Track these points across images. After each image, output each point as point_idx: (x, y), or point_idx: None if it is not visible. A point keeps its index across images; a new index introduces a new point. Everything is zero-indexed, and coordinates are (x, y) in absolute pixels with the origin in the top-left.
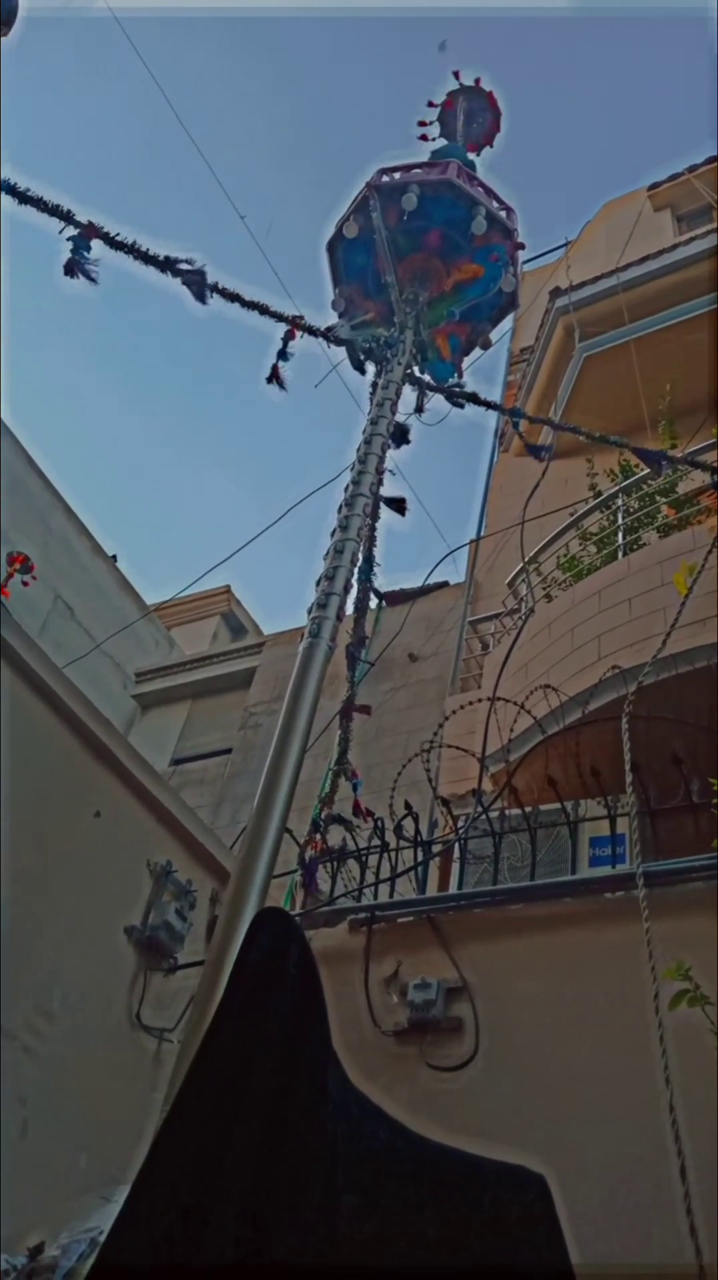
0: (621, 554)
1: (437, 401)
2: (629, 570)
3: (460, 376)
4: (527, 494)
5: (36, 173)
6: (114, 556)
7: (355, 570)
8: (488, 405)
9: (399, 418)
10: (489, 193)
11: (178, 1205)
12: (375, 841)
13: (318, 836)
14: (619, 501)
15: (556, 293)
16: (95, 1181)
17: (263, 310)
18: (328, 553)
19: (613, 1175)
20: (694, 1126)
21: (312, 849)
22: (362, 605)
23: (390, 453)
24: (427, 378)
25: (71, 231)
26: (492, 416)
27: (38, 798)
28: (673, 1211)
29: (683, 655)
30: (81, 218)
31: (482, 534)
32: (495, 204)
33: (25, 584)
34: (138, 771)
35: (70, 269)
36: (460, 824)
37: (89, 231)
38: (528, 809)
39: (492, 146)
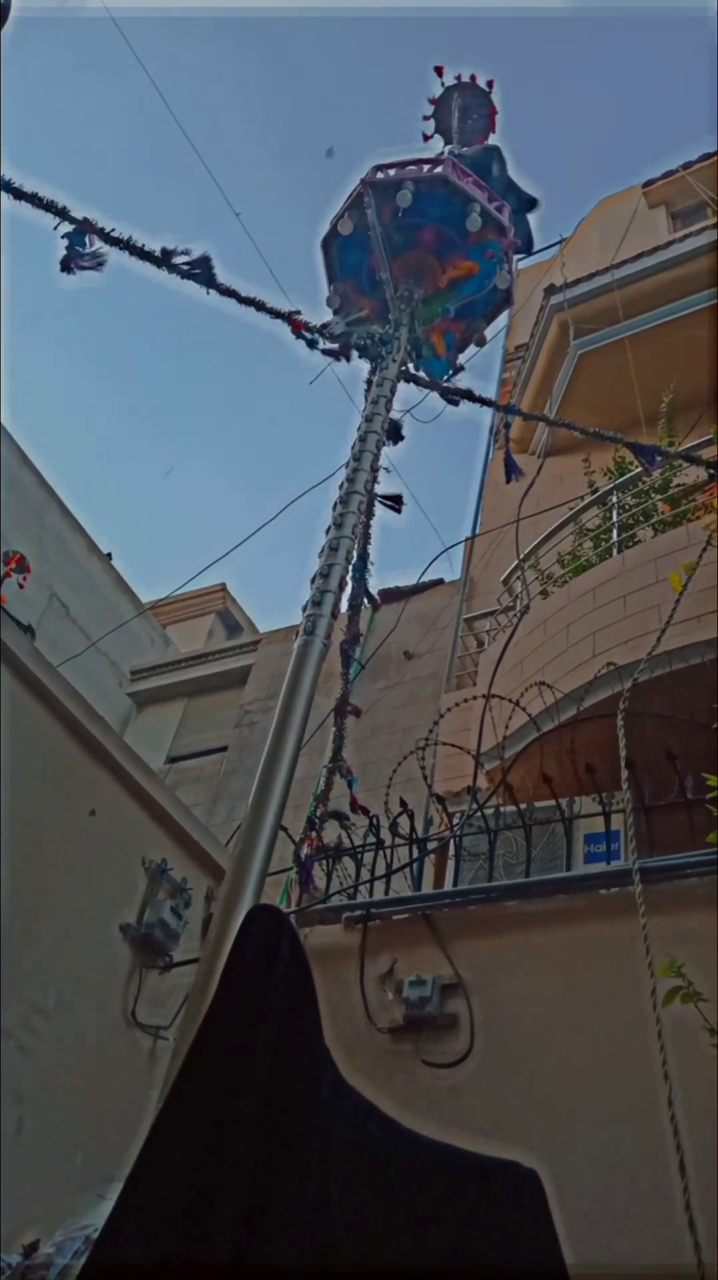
0: (615, 551)
1: (432, 398)
2: (624, 567)
3: (455, 373)
4: (522, 491)
5: (32, 170)
6: (109, 554)
7: (350, 568)
8: (483, 402)
9: (394, 414)
10: (483, 189)
11: (172, 1205)
12: (371, 839)
13: (313, 834)
14: (615, 498)
15: (550, 290)
16: (91, 1179)
17: (259, 306)
18: (323, 550)
19: (609, 1171)
20: (692, 1122)
21: (307, 846)
22: (356, 603)
23: (386, 450)
24: (422, 374)
25: (67, 228)
26: (487, 414)
27: (32, 795)
28: (670, 1207)
29: (678, 652)
30: (78, 214)
31: (477, 531)
32: (490, 200)
33: (21, 585)
34: (133, 769)
35: (66, 264)
36: (455, 821)
37: (85, 227)
38: (523, 806)
39: (486, 144)
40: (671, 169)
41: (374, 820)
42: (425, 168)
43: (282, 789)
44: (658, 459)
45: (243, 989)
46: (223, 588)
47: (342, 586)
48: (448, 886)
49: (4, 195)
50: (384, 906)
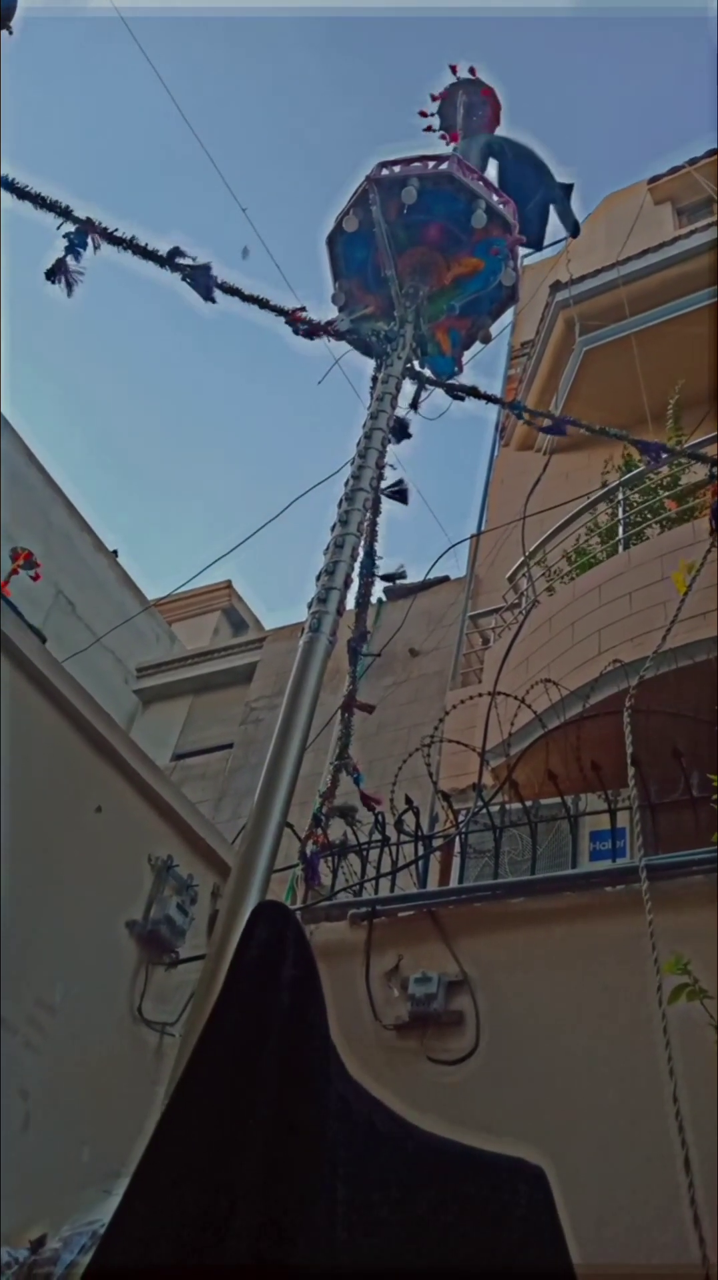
0: (621, 548)
1: (437, 396)
2: (630, 564)
3: (461, 371)
4: (528, 489)
5: (37, 169)
6: (115, 551)
7: (356, 565)
8: (489, 399)
9: (399, 412)
10: (489, 186)
11: (180, 1203)
12: (376, 836)
13: (319, 830)
14: (621, 495)
15: (556, 286)
16: (97, 1175)
17: (263, 304)
18: (328, 547)
19: (614, 1168)
20: (697, 1119)
21: (313, 843)
22: (362, 600)
23: (392, 447)
24: (427, 372)
25: (70, 228)
26: (493, 411)
27: (39, 793)
28: (676, 1204)
29: (684, 649)
30: (80, 213)
31: (483, 529)
32: (495, 197)
33: (35, 578)
34: (139, 766)
35: (53, 273)
36: (461, 818)
37: (87, 227)
38: (528, 803)
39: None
40: (677, 165)
41: (380, 817)
42: (431, 164)
43: (287, 786)
44: (663, 456)
45: (249, 985)
46: (228, 585)
47: (347, 584)
48: (454, 883)
49: (7, 194)
50: (390, 903)
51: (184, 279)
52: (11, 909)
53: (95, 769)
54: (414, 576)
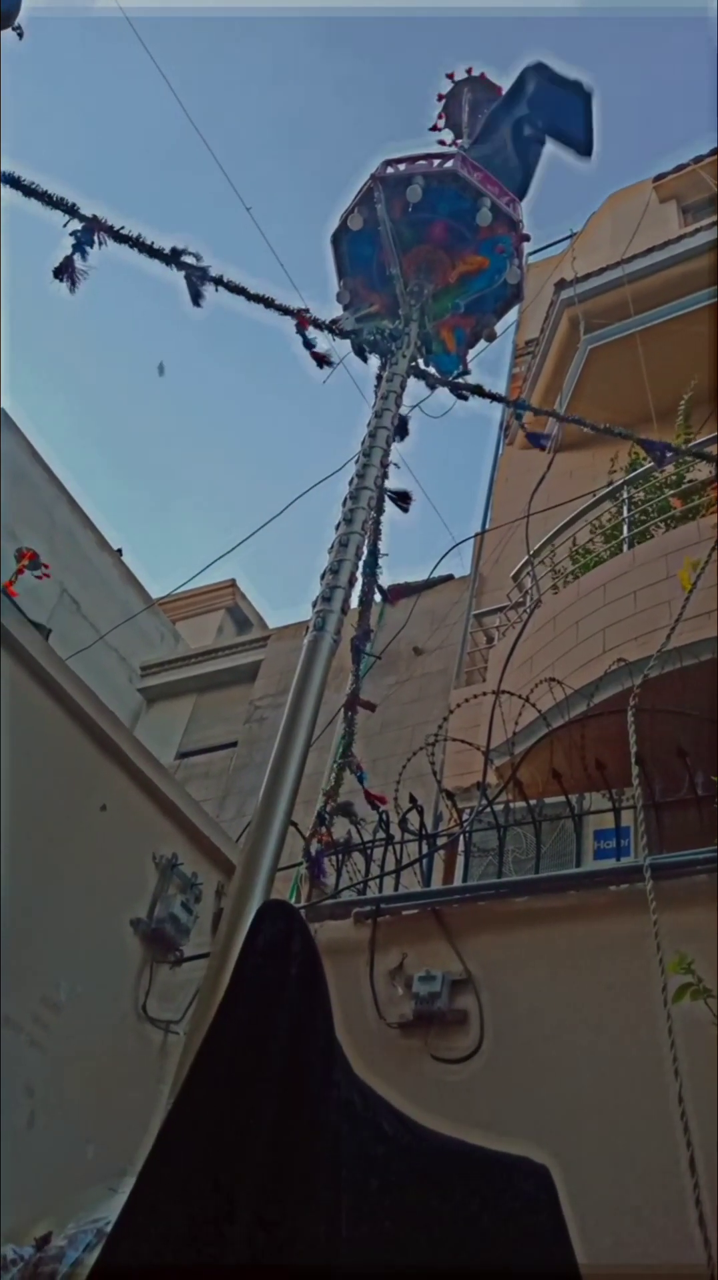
0: (626, 547)
1: (441, 394)
2: (635, 563)
3: (465, 369)
4: (532, 487)
5: (41, 166)
6: (119, 550)
7: (360, 564)
8: (493, 398)
9: (403, 410)
10: (494, 184)
11: (186, 1202)
12: (380, 834)
13: (323, 829)
14: (625, 494)
15: (561, 285)
16: (102, 1173)
17: (268, 303)
18: (332, 546)
19: (618, 1167)
20: (702, 1118)
21: (317, 841)
22: (366, 599)
23: (395, 445)
24: (432, 370)
25: (76, 225)
26: (497, 409)
27: (43, 791)
28: (681, 1203)
29: (688, 648)
30: (86, 211)
31: (487, 527)
32: (499, 195)
33: (41, 577)
34: (143, 765)
35: (60, 272)
36: (465, 817)
37: (93, 225)
38: (533, 802)
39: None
40: (682, 163)
41: (384, 816)
42: (435, 163)
43: (292, 784)
44: (667, 454)
45: (255, 984)
46: (232, 583)
47: (351, 582)
48: (458, 882)
49: (11, 190)
50: (394, 902)
51: (186, 278)
52: (16, 907)
53: (100, 767)
54: (418, 575)
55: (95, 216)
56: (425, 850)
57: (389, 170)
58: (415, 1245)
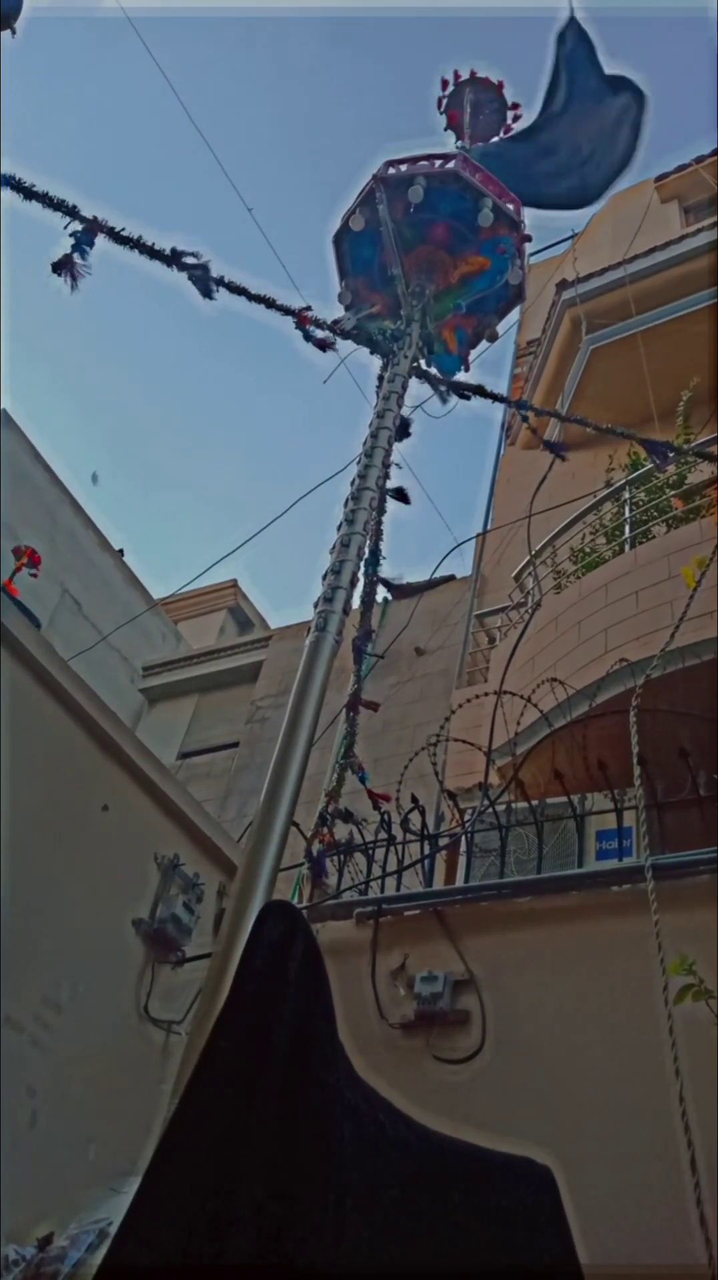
0: (628, 547)
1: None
2: (637, 563)
3: (467, 369)
4: (534, 487)
5: (42, 166)
6: (121, 550)
7: (362, 564)
8: (495, 398)
9: (405, 411)
10: (495, 185)
11: (189, 1202)
12: (382, 834)
13: (325, 829)
14: (627, 494)
15: (562, 285)
16: (104, 1173)
17: (269, 304)
18: (334, 547)
19: (620, 1168)
20: (703, 1119)
21: (319, 841)
22: (368, 599)
23: (398, 446)
24: (433, 371)
25: (76, 227)
26: (499, 410)
27: (45, 791)
28: (683, 1203)
29: (690, 648)
30: (86, 212)
31: (488, 527)
32: (501, 196)
33: (34, 575)
34: (145, 765)
35: (60, 267)
36: (467, 817)
37: (93, 226)
38: (535, 802)
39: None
40: (683, 163)
41: (386, 816)
42: (437, 163)
43: (293, 785)
44: (669, 454)
45: (257, 984)
46: (234, 584)
47: (353, 582)
48: (460, 882)
49: (11, 192)
50: (396, 902)
51: (190, 278)
52: (18, 907)
53: (101, 768)
54: (420, 575)
55: (96, 218)
56: (427, 851)
57: (391, 171)
58: (418, 1245)
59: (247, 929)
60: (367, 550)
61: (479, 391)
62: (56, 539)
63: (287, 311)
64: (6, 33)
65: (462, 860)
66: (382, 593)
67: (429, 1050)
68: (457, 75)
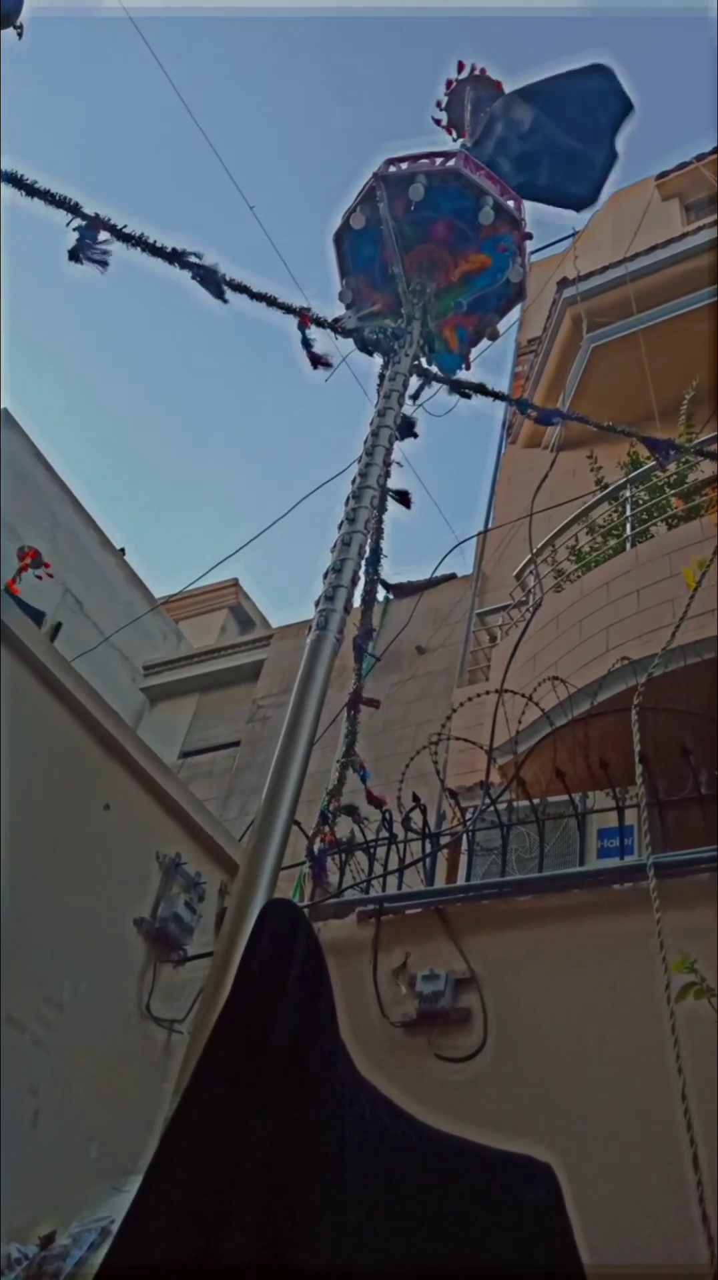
0: (629, 545)
1: (444, 393)
2: (638, 561)
3: (468, 368)
4: (535, 486)
5: (44, 165)
6: (122, 550)
7: (363, 563)
8: (495, 396)
9: (407, 409)
10: (496, 183)
11: (190, 1202)
12: (383, 833)
13: (326, 828)
14: (628, 492)
15: (563, 283)
16: (106, 1171)
17: (270, 302)
18: (335, 545)
19: (623, 1165)
20: (705, 1118)
21: (320, 840)
22: (369, 598)
23: (398, 445)
24: (434, 369)
25: (79, 224)
26: (500, 408)
27: (47, 790)
28: (685, 1201)
29: (692, 646)
30: (89, 209)
31: (489, 526)
32: (503, 194)
33: (40, 578)
34: (147, 764)
35: (75, 254)
36: (468, 816)
37: (96, 224)
38: (536, 801)
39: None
40: (684, 160)
41: (387, 815)
42: (438, 161)
43: (295, 784)
44: (671, 453)
45: (259, 983)
46: (235, 583)
47: (354, 581)
48: (461, 881)
49: (13, 190)
50: (397, 901)
51: (193, 277)
52: (19, 906)
53: (103, 767)
54: (421, 573)
55: (97, 215)
56: (429, 849)
57: (392, 169)
58: (420, 1244)
59: (248, 928)
60: (368, 549)
61: (480, 389)
62: (58, 538)
63: (288, 310)
64: (7, 31)
65: (463, 859)
66: (382, 591)
67: (431, 1049)
68: (461, 66)
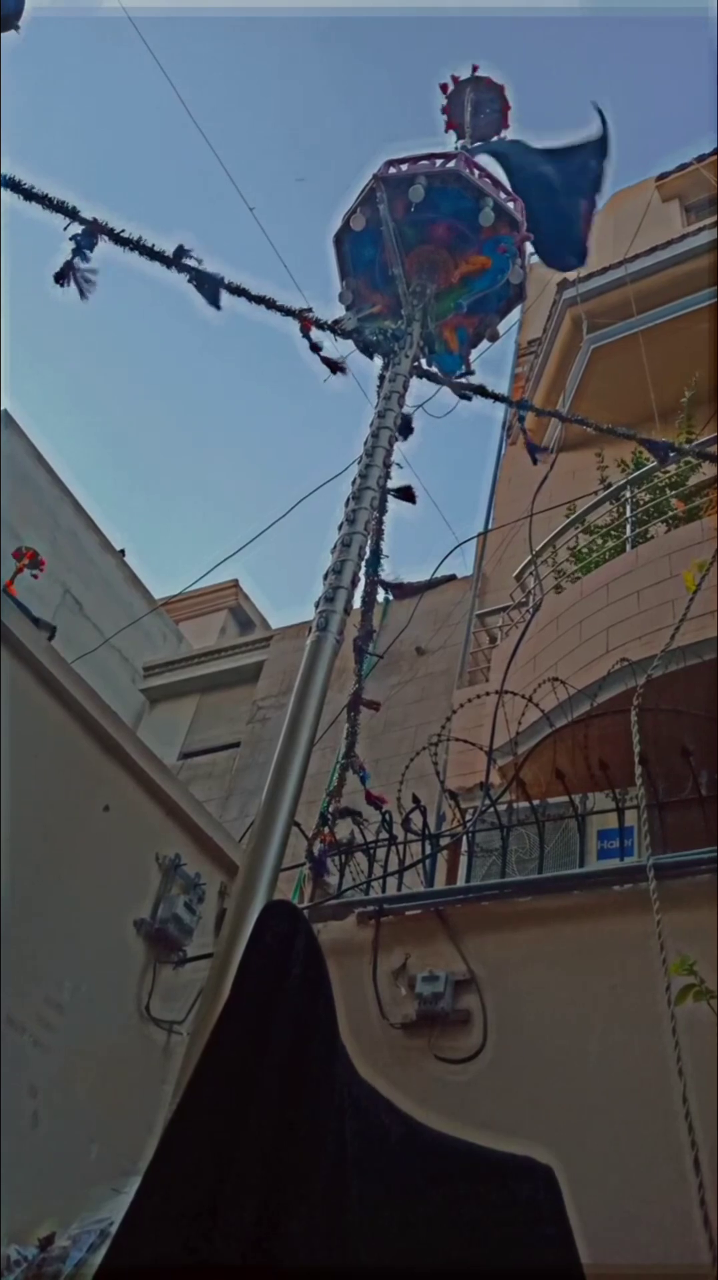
0: (629, 546)
1: (444, 394)
2: (638, 562)
3: (468, 369)
4: (535, 487)
5: (42, 168)
6: (122, 551)
7: (363, 564)
8: (495, 398)
9: (406, 409)
10: (496, 184)
11: (189, 1203)
12: (383, 834)
13: (326, 829)
14: (628, 494)
15: (563, 284)
16: (106, 1173)
17: (270, 304)
18: (335, 546)
19: (622, 1167)
20: (706, 1119)
21: (320, 841)
22: (369, 599)
23: (398, 445)
24: (435, 370)
25: (76, 229)
26: (500, 409)
27: (46, 792)
28: (685, 1203)
29: (692, 648)
30: (86, 214)
31: (489, 527)
32: (503, 195)
33: (35, 576)
34: (147, 765)
35: (62, 276)
36: (468, 817)
37: (94, 228)
38: (536, 802)
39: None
40: (684, 162)
41: (387, 816)
42: (438, 163)
43: (295, 785)
44: (671, 454)
45: (258, 984)
46: (235, 584)
47: (354, 582)
48: (461, 882)
49: (11, 194)
50: (397, 902)
51: (190, 280)
52: (19, 907)
53: (103, 768)
54: (421, 575)
55: (95, 219)
56: (428, 850)
57: (391, 170)
58: (419, 1245)
59: (248, 929)
60: (368, 550)
61: (479, 391)
62: (58, 539)
63: (288, 312)
64: (7, 32)
65: (463, 860)
66: (383, 592)
67: (431, 1050)
68: (455, 79)
